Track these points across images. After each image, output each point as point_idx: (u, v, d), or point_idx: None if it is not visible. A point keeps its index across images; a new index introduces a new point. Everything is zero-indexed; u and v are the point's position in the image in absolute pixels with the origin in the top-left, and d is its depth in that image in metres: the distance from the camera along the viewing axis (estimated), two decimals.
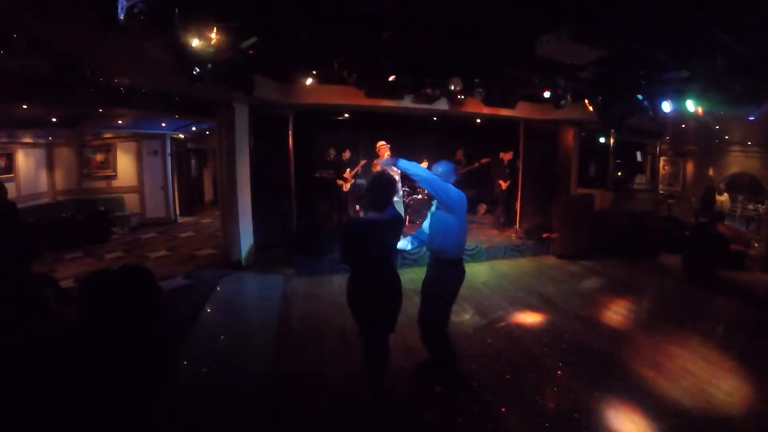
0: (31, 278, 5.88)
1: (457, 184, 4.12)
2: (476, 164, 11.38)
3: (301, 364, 4.84)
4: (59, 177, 12.11)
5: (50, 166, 11.93)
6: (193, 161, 16.11)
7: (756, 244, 10.65)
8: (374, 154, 9.60)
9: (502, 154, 10.92)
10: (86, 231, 10.63)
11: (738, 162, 12.96)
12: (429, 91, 8.12)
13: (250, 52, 5.36)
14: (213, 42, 4.72)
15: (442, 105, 9.14)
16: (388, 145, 8.93)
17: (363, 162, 10.77)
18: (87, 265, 8.54)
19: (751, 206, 12.26)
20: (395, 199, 8.61)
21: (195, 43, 4.56)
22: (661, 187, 14.15)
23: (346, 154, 10.79)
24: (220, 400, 4.09)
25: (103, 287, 4.83)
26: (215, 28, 4.69)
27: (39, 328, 5.17)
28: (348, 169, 10.54)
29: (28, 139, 11.02)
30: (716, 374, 4.72)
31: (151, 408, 3.92)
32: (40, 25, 4.38)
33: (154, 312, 5.07)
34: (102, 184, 12.80)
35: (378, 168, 8.46)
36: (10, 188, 9.75)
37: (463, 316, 6.31)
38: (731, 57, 5.59)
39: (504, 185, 10.82)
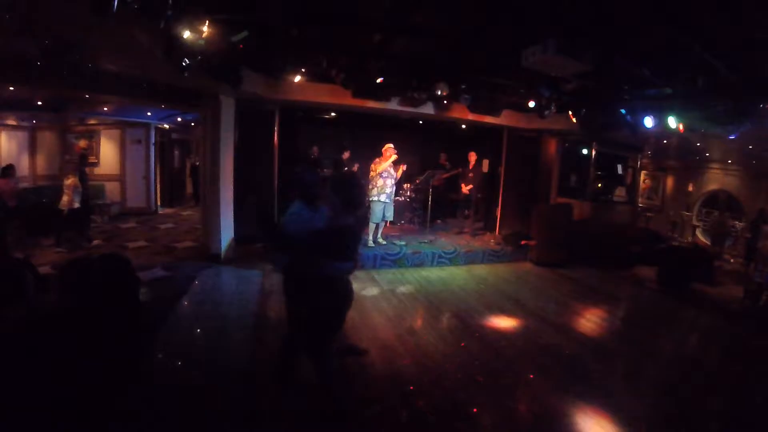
0: (10, 263, 5.82)
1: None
2: (459, 169, 11.40)
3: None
4: (41, 162, 11.93)
5: (32, 151, 11.75)
6: (176, 152, 15.97)
7: (732, 260, 10.93)
8: (364, 155, 9.84)
9: (469, 155, 10.76)
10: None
11: (717, 179, 13.22)
12: (415, 95, 8.18)
13: (240, 45, 5.40)
14: (204, 34, 4.74)
15: (428, 109, 9.22)
16: (395, 150, 8.80)
17: (356, 166, 10.69)
18: (65, 251, 8.46)
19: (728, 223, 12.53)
20: (386, 200, 8.68)
21: (186, 34, 4.57)
22: (640, 200, 14.37)
23: (346, 155, 10.79)
24: (194, 393, 4.11)
25: (81, 275, 4.81)
26: (207, 21, 4.71)
27: (17, 314, 5.13)
28: (345, 169, 10.52)
29: (11, 121, 10.87)
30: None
31: (124, 400, 3.92)
32: (30, 7, 4.36)
33: (132, 302, 5.05)
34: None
35: (377, 168, 8.67)
36: None
37: (440, 318, 6.41)
38: (713, 77, 5.73)
39: (465, 189, 10.72)
